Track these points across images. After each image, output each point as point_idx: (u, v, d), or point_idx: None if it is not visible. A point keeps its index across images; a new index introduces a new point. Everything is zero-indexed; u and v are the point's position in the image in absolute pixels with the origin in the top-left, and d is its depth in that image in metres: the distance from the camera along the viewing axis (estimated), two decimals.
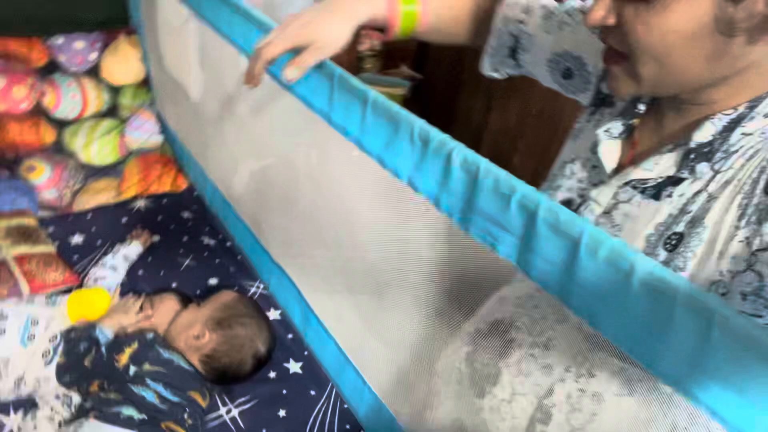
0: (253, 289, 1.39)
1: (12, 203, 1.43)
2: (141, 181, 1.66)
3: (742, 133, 0.53)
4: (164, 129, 1.76)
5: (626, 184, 0.61)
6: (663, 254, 0.55)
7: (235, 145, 1.40)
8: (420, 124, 0.64)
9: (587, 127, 0.72)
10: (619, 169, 0.64)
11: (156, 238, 1.48)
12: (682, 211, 0.55)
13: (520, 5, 0.78)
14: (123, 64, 1.69)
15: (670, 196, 0.56)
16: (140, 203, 1.61)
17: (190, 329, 1.11)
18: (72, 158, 1.56)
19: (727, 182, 0.53)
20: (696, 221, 0.53)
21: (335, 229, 1.03)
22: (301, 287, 1.27)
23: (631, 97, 0.64)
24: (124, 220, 1.54)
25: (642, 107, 0.64)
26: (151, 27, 1.63)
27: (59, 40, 1.60)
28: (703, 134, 0.54)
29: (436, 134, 0.62)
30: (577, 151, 0.71)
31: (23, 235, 1.32)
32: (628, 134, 0.65)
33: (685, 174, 0.55)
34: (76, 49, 1.62)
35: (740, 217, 0.50)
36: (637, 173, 0.59)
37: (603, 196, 0.63)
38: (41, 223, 1.42)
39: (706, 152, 0.54)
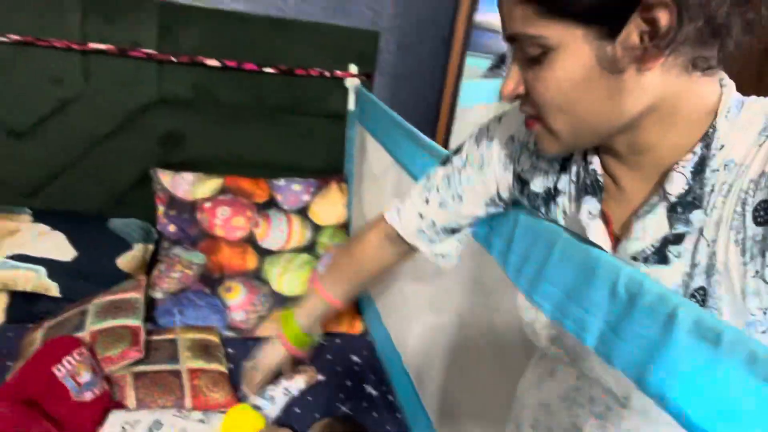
0: None
1: (204, 319, 1.53)
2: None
3: (711, 171, 0.52)
4: None
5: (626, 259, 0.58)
6: None
7: (413, 295, 1.35)
8: (628, 271, 0.49)
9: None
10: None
11: (321, 377, 1.44)
12: (693, 265, 0.53)
13: (406, 216, 0.87)
14: (329, 207, 1.83)
15: (678, 256, 0.54)
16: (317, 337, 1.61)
17: None
18: (266, 285, 1.66)
19: (717, 223, 0.51)
20: (710, 270, 0.52)
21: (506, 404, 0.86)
22: None
23: (559, 154, 0.63)
24: None
25: (601, 175, 0.61)
26: (358, 177, 1.76)
27: (281, 182, 1.81)
28: (677, 186, 0.53)
29: (651, 285, 0.47)
30: None
31: (204, 350, 1.38)
32: (600, 208, 0.62)
33: (680, 228, 0.53)
34: (293, 190, 1.81)
35: (743, 253, 0.49)
36: (631, 246, 0.57)
37: None
38: (223, 342, 1.48)
39: (692, 201, 0.52)
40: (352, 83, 1.78)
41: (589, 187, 0.61)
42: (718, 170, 0.51)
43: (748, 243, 0.49)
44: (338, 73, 1.77)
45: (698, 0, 0.44)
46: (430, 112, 1.99)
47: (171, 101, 1.70)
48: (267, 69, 1.71)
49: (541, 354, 0.79)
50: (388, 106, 2.00)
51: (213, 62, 1.66)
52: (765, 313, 0.49)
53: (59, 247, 1.52)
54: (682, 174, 0.52)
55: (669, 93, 0.50)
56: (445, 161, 0.81)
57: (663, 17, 0.45)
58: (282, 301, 1.63)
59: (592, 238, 0.61)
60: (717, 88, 0.52)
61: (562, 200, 0.66)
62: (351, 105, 1.80)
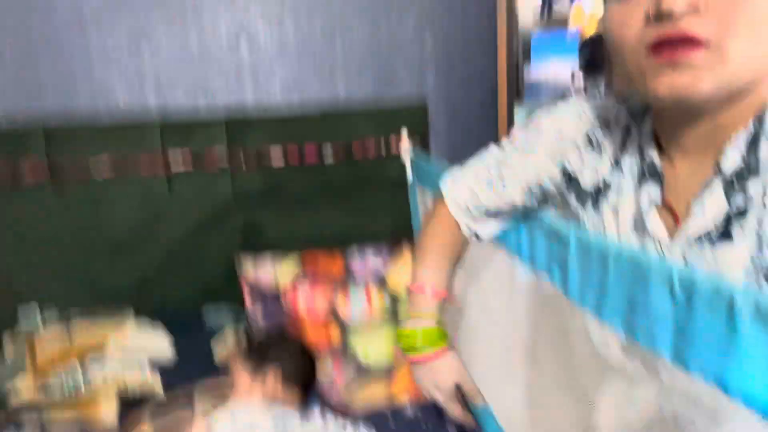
0: None
1: None
2: (412, 387, 1.66)
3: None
4: None
5: (688, 244, 0.57)
6: None
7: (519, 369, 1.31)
8: (678, 269, 0.47)
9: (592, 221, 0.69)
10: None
11: None
12: (760, 239, 0.51)
13: (458, 188, 0.85)
14: (405, 270, 1.85)
15: (742, 230, 0.52)
16: (409, 410, 1.58)
17: None
18: (352, 357, 1.67)
19: None
20: None
21: None
22: None
23: (705, 96, 0.52)
24: (392, 425, 1.52)
25: (656, 159, 0.60)
26: None
27: (354, 253, 1.87)
28: (731, 161, 0.52)
29: (704, 278, 0.44)
30: None
31: None
32: (662, 194, 0.61)
33: (739, 202, 0.52)
34: (367, 259, 1.85)
35: None
36: (693, 228, 0.56)
37: None
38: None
39: (747, 173, 0.51)
40: (406, 150, 1.85)
41: (647, 175, 0.61)
42: None
43: None
44: (393, 143, 1.85)
45: None
46: None
47: (245, 198, 1.85)
48: (327, 157, 1.83)
49: (618, 373, 0.75)
50: (447, 165, 2.04)
51: (278, 161, 1.81)
52: None
53: (159, 345, 1.63)
54: (737, 148, 0.52)
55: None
56: (500, 144, 0.81)
57: None
58: (369, 372, 1.63)
59: (650, 225, 0.60)
60: None
61: (612, 195, 0.65)
62: (409, 171, 1.85)
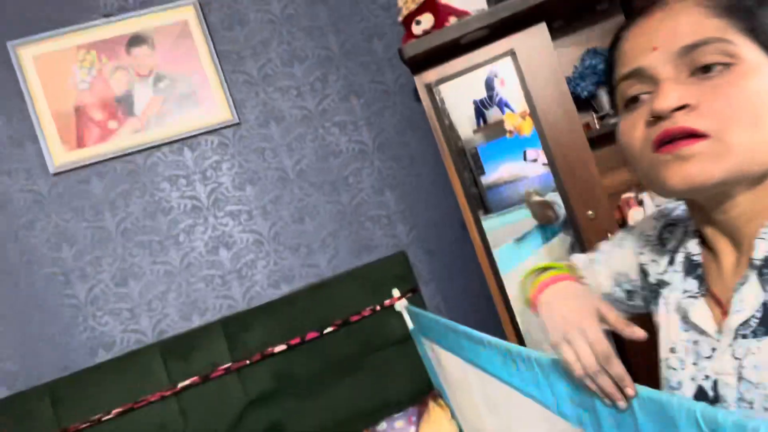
0: None
1: None
2: None
3: None
4: None
5: (735, 338, 0.56)
6: None
7: None
8: (701, 407, 0.48)
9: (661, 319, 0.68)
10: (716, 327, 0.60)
11: None
12: None
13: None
14: (438, 428, 1.77)
15: None
16: None
17: None
18: None
19: None
20: None
21: None
22: None
23: (715, 183, 0.54)
24: None
25: (696, 253, 0.63)
26: (446, 386, 1.74)
27: (382, 425, 1.80)
28: (761, 251, 0.54)
29: (726, 417, 0.45)
30: (667, 342, 0.66)
31: None
32: (706, 287, 0.62)
33: None
34: (396, 428, 1.78)
35: None
36: (735, 321, 0.56)
37: (725, 364, 0.57)
38: None
39: None
40: (401, 306, 1.87)
41: (689, 270, 0.64)
42: None
43: None
44: (387, 303, 1.87)
45: None
46: (483, 290, 2.03)
47: (259, 398, 1.80)
48: (327, 330, 1.83)
49: None
50: (443, 308, 2.06)
51: (280, 347, 1.80)
52: None
53: None
54: (764, 239, 0.54)
55: None
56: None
57: None
58: None
59: (694, 319, 0.61)
60: None
61: (667, 292, 0.67)
62: (409, 325, 1.86)
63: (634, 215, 1.74)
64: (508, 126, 1.81)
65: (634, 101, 0.59)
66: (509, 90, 1.72)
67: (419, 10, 1.65)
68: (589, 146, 1.65)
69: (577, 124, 1.65)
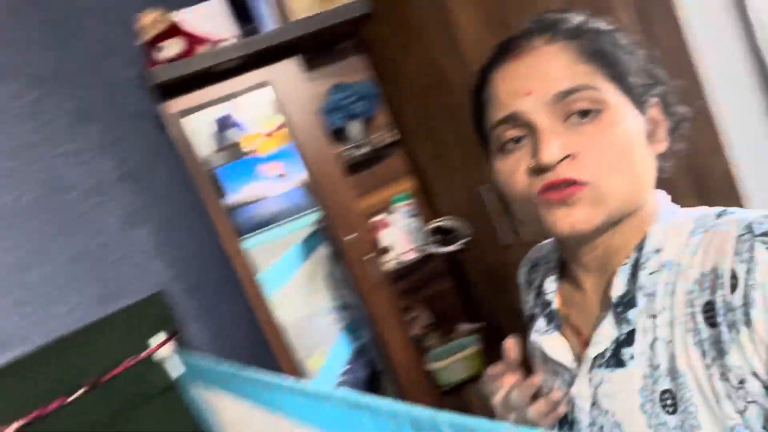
0: None
1: None
2: None
3: (649, 274, 0.56)
4: None
5: (591, 367, 0.61)
6: (670, 418, 0.53)
7: None
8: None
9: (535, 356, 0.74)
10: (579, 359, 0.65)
11: None
12: (653, 366, 0.54)
13: None
14: None
15: (632, 357, 0.56)
16: None
17: None
18: None
19: (671, 323, 0.53)
20: (674, 373, 0.52)
21: None
22: None
23: (595, 228, 0.58)
24: None
25: (551, 291, 0.68)
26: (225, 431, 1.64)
27: None
28: (616, 289, 0.57)
29: None
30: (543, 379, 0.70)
31: None
32: (559, 322, 0.67)
33: (625, 328, 0.57)
34: None
35: (703, 355, 0.50)
36: (593, 352, 0.60)
37: (582, 388, 0.62)
38: None
39: (628, 301, 0.56)
40: (163, 353, 1.70)
41: (542, 307, 0.69)
42: (657, 271, 0.55)
43: (705, 345, 0.50)
44: (144, 354, 1.68)
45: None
46: (253, 316, 1.98)
47: None
48: (75, 395, 1.55)
49: None
50: (212, 345, 1.94)
51: (14, 426, 1.46)
52: (741, 414, 0.48)
53: None
54: (619, 278, 0.58)
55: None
56: None
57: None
58: None
59: (549, 353, 0.66)
60: (654, 196, 0.60)
61: (531, 329, 0.73)
62: (174, 373, 1.71)
63: (385, 236, 1.90)
64: (246, 147, 1.82)
65: (509, 143, 0.60)
66: (254, 114, 1.76)
67: (163, 36, 1.54)
68: (342, 173, 1.75)
69: (331, 152, 1.73)
